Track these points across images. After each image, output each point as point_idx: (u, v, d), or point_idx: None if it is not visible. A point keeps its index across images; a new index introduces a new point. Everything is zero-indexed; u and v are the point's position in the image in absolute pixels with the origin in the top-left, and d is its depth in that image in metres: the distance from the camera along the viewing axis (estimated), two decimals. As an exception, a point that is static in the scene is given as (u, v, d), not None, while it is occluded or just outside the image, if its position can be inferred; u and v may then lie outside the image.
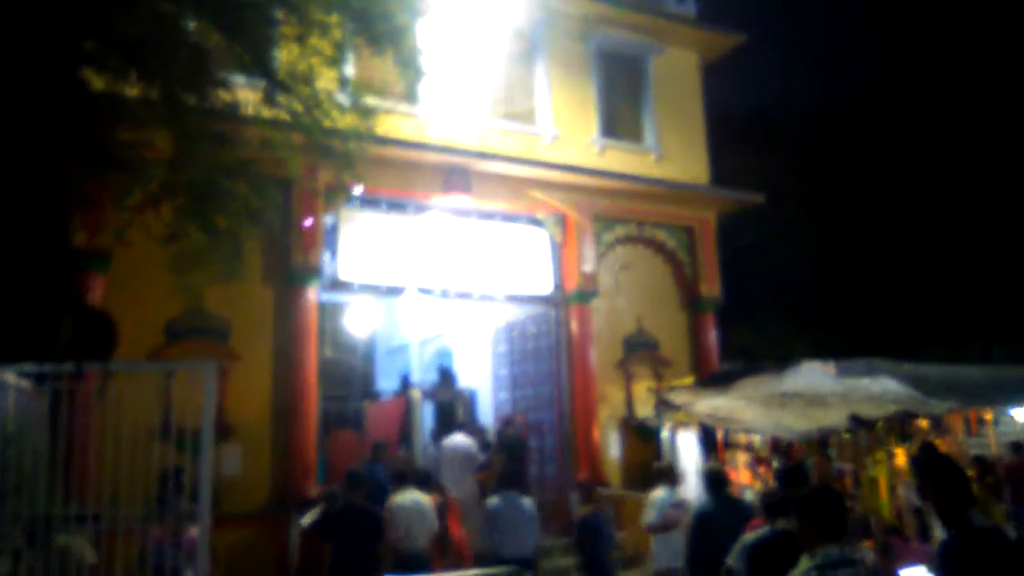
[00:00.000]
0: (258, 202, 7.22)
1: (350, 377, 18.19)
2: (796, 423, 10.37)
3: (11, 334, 7.01)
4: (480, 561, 7.88)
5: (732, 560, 4.44)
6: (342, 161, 7.35)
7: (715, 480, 6.92)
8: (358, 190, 10.46)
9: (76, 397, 5.54)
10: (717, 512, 6.57)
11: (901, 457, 10.96)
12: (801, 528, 3.28)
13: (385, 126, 8.83)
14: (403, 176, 11.02)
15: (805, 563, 3.16)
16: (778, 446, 10.87)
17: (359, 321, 15.32)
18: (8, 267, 7.48)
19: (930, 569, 3.80)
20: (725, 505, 6.68)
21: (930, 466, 3.86)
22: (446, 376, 14.78)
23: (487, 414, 13.95)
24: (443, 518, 8.11)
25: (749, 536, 4.63)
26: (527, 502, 7.93)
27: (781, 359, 12.11)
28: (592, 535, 8.54)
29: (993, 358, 13.64)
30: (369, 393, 17.23)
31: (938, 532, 5.13)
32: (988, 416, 12.18)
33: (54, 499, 5.24)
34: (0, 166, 6.50)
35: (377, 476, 9.60)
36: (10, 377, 5.73)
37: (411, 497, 7.81)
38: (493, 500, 7.88)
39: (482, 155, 11.41)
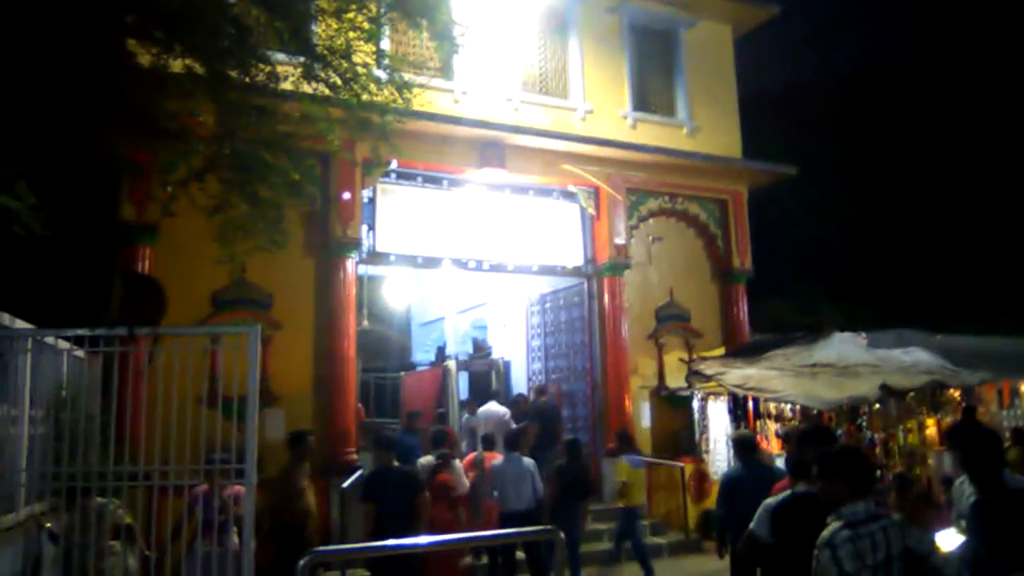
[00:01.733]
0: (298, 175, 7.47)
1: (387, 349, 18.61)
2: (826, 393, 10.46)
3: (65, 300, 7.41)
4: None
5: (754, 524, 4.52)
6: (379, 134, 7.56)
7: (744, 446, 7.07)
8: (395, 164, 10.70)
9: (127, 362, 5.85)
10: (746, 477, 6.73)
11: (932, 427, 11.01)
12: (828, 486, 3.34)
13: (421, 101, 8.99)
14: (438, 150, 11.23)
15: (834, 522, 3.23)
16: (808, 416, 10.98)
17: (396, 294, 15.66)
18: (62, 238, 7.85)
19: (960, 530, 3.90)
20: (754, 470, 6.83)
21: (965, 433, 3.99)
22: (480, 347, 15.09)
23: (521, 385, 14.21)
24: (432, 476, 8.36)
25: (771, 500, 4.72)
26: (527, 461, 8.43)
27: (812, 330, 12.17)
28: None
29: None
30: (406, 364, 17.63)
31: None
32: (1022, 387, 12.15)
33: (106, 460, 5.51)
34: (51, 139, 6.84)
35: (409, 442, 9.99)
36: (64, 344, 6.08)
37: (512, 460, 8.38)
38: (495, 463, 8.41)
39: (516, 129, 11.56)
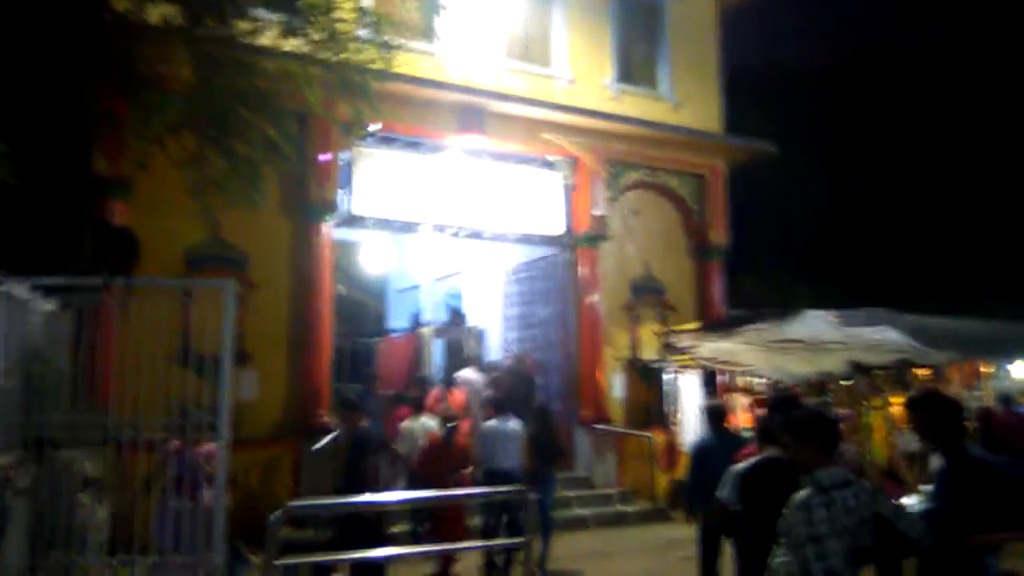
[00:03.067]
0: (276, 133, 7.39)
1: (363, 315, 18.53)
2: (796, 367, 10.62)
3: (36, 252, 7.28)
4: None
5: (722, 490, 4.57)
6: (359, 95, 7.48)
7: (715, 415, 7.19)
8: (374, 127, 10.59)
9: (98, 314, 5.78)
10: (715, 445, 6.84)
11: (898, 406, 11.21)
12: (801, 450, 3.40)
13: (402, 63, 8.93)
14: (419, 115, 11.14)
15: (806, 485, 3.29)
16: (777, 390, 11.13)
17: (373, 260, 15.57)
18: (35, 187, 7.71)
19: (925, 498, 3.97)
20: (724, 439, 6.95)
21: (929, 401, 4.07)
22: (456, 315, 15.08)
23: (496, 354, 14.24)
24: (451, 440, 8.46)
25: (738, 465, 4.78)
26: (513, 424, 8.59)
27: (784, 308, 12.31)
28: None
29: (994, 315, 13.76)
30: (381, 331, 17.59)
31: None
32: (985, 370, 12.39)
33: (74, 414, 5.48)
34: (23, 84, 6.69)
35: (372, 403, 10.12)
36: (35, 297, 5.99)
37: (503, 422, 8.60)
38: (487, 423, 8.63)
39: (498, 96, 11.49)
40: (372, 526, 6.98)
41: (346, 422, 7.67)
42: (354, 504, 6.39)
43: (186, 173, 6.84)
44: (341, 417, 7.90)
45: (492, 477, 8.23)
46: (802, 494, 3.22)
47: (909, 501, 4.38)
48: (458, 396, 10.95)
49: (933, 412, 3.96)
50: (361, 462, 7.16)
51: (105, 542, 6.00)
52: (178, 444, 6.26)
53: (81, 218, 9.37)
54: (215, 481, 5.59)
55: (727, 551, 6.80)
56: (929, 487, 3.88)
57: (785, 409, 4.78)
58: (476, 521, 8.99)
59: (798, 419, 3.52)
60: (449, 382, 10.33)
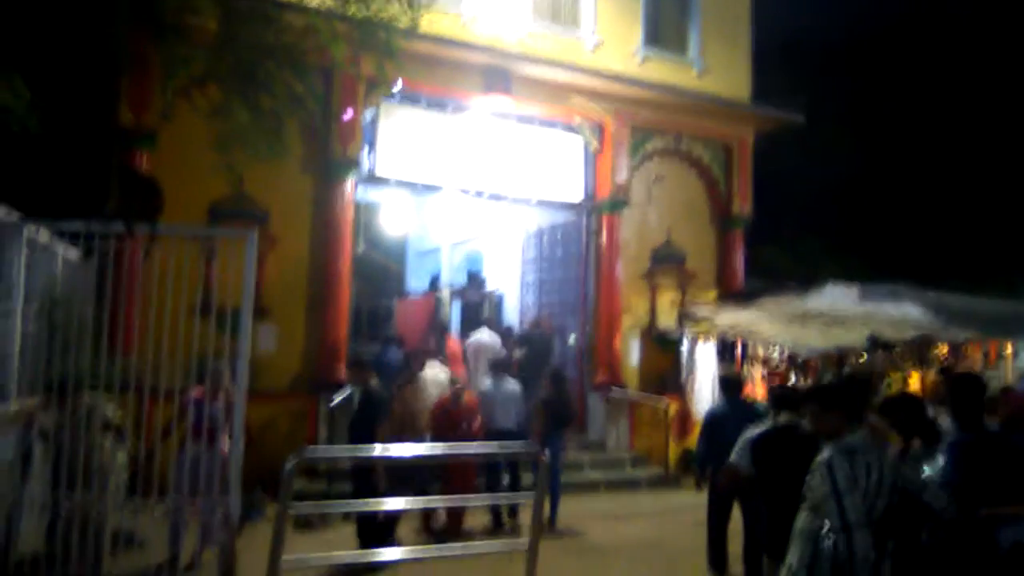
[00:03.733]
0: (300, 87, 7.39)
1: (382, 275, 18.62)
2: (815, 340, 10.60)
3: (62, 201, 7.36)
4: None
5: (735, 456, 4.59)
6: (384, 52, 7.44)
7: (730, 384, 7.21)
8: (398, 85, 10.55)
9: (121, 262, 5.85)
10: (729, 414, 6.85)
11: (916, 381, 11.17)
12: (827, 416, 3.41)
13: (428, 22, 8.88)
14: (444, 75, 11.07)
15: (830, 447, 3.30)
16: (795, 362, 11.13)
17: (393, 220, 15.60)
18: (60, 139, 7.78)
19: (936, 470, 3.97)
20: (737, 408, 6.96)
21: (953, 378, 4.05)
22: (474, 278, 15.12)
23: (513, 317, 14.30)
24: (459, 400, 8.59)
25: (751, 432, 4.80)
26: (512, 384, 8.94)
27: (806, 280, 12.24)
28: None
29: (1018, 292, 13.59)
30: (400, 291, 17.68)
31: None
32: (1007, 350, 12.28)
33: (97, 361, 5.57)
34: (50, 29, 6.72)
35: (391, 360, 10.29)
36: (58, 243, 6.07)
37: (499, 384, 9.01)
38: (485, 385, 8.98)
39: (524, 57, 11.36)
40: (379, 482, 7.14)
41: (357, 380, 7.81)
42: (367, 457, 6.50)
43: (211, 125, 6.84)
44: (352, 375, 8.04)
45: (491, 437, 8.43)
46: (825, 454, 3.26)
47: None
48: (453, 345, 11.38)
49: (952, 387, 3.98)
50: (370, 421, 7.31)
51: (124, 485, 6.14)
52: (198, 392, 6.38)
53: (107, 167, 9.48)
54: (232, 429, 5.67)
55: (736, 517, 6.89)
56: (935, 460, 3.87)
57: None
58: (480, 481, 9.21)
59: (824, 387, 3.55)
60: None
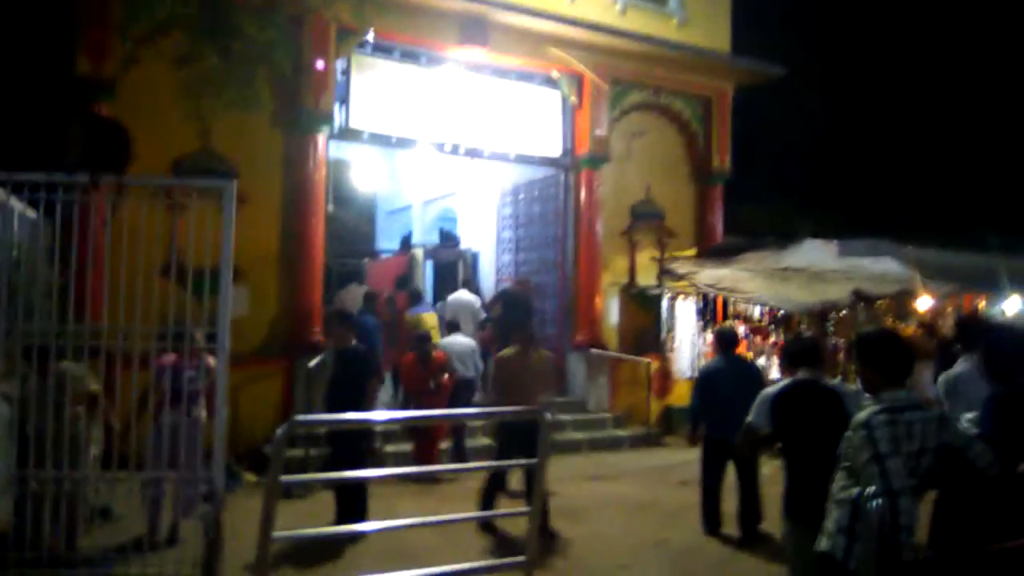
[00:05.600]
0: (271, 33, 6.99)
1: (352, 235, 18.19)
2: (798, 295, 10.53)
3: (16, 156, 6.89)
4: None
5: (752, 416, 4.42)
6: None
7: (725, 339, 7.05)
8: (371, 35, 10.12)
9: (86, 218, 5.45)
10: (725, 370, 6.72)
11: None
12: (868, 371, 3.21)
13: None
14: (418, 24, 10.63)
15: (871, 406, 3.10)
16: (776, 318, 11.07)
17: (364, 177, 15.17)
18: (16, 88, 7.27)
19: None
20: (733, 364, 6.84)
21: (988, 330, 3.92)
22: (448, 237, 14.81)
23: (489, 276, 14.06)
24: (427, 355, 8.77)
25: (769, 389, 4.62)
26: (462, 338, 9.92)
27: (784, 236, 12.13)
28: None
29: (989, 247, 13.65)
30: (370, 252, 17.30)
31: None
32: (981, 304, 12.35)
33: (64, 325, 5.23)
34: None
35: (368, 323, 10.02)
36: (15, 202, 5.64)
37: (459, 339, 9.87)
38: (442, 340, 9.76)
39: (501, 6, 10.92)
40: (359, 444, 6.92)
41: (336, 339, 7.52)
42: (354, 421, 6.25)
43: (177, 72, 6.42)
44: (332, 334, 7.75)
45: (459, 385, 9.15)
46: (863, 414, 3.05)
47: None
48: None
49: (990, 342, 3.85)
50: (350, 380, 7.06)
51: (99, 457, 5.84)
52: (174, 358, 6.05)
53: (64, 119, 8.92)
54: (215, 396, 5.37)
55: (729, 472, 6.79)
56: (969, 414, 3.73)
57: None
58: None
59: (863, 339, 3.33)
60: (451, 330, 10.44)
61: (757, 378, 6.64)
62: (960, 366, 4.83)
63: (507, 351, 7.11)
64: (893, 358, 3.17)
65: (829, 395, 4.04)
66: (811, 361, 4.19)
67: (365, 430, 7.13)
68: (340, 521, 6.61)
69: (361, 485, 6.69)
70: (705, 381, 6.83)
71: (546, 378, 7.29)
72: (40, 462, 5.06)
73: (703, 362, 11.46)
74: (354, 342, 7.40)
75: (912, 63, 18.45)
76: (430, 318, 10.67)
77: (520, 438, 6.27)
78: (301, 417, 5.84)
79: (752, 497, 6.56)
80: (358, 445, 6.91)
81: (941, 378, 4.92)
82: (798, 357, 4.27)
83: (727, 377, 6.54)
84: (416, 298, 11.32)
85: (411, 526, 6.08)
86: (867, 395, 3.25)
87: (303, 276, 10.08)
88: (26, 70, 8.51)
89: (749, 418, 4.35)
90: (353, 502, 6.65)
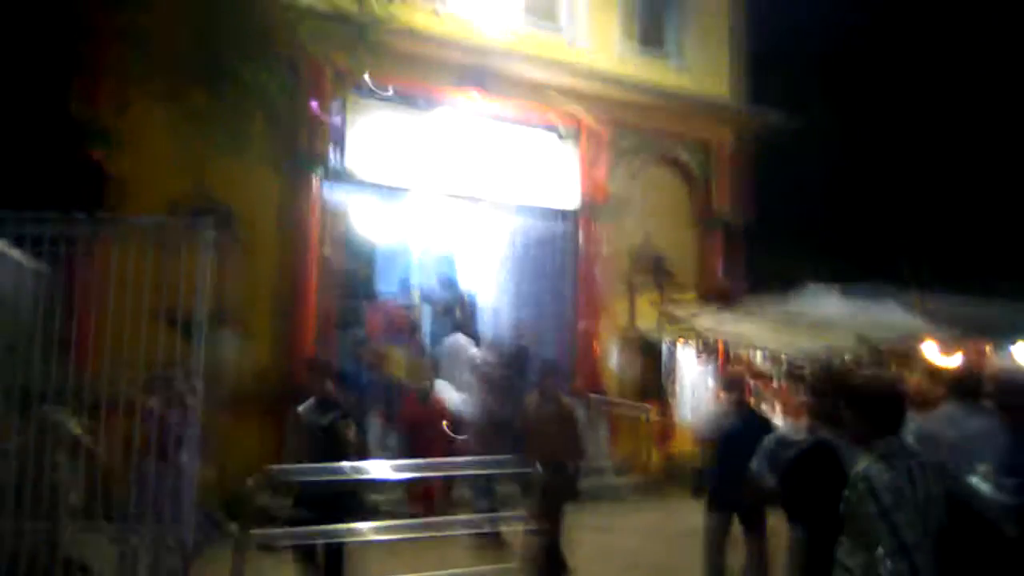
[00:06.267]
0: (266, 77, 6.95)
1: (350, 279, 18.05)
2: (803, 342, 10.34)
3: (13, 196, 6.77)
4: None
5: (756, 464, 4.22)
6: (360, 39, 7.03)
7: (733, 385, 6.64)
8: (369, 80, 10.12)
9: (71, 261, 5.31)
10: (742, 430, 6.27)
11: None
12: (854, 420, 3.05)
13: (401, 15, 8.47)
14: (417, 70, 10.62)
15: (866, 459, 2.91)
16: (779, 365, 10.86)
17: (361, 222, 15.09)
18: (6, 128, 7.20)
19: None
20: (745, 418, 6.46)
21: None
22: (447, 283, 14.65)
23: (487, 322, 13.85)
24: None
25: (772, 438, 4.44)
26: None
27: (788, 282, 12.00)
28: None
29: (998, 292, 13.48)
30: (368, 295, 17.15)
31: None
32: (988, 350, 12.14)
33: (49, 372, 5.09)
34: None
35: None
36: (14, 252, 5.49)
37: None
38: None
39: (500, 53, 10.95)
40: (346, 502, 6.50)
41: (311, 386, 7.12)
42: (339, 472, 5.97)
43: (167, 112, 6.35)
44: (307, 380, 7.35)
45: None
46: (860, 467, 2.84)
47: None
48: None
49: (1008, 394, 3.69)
50: (324, 429, 6.70)
51: (80, 506, 5.61)
52: (154, 405, 5.87)
53: (58, 169, 8.83)
54: (202, 444, 5.19)
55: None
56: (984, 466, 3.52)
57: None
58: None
59: (859, 390, 3.13)
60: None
61: (766, 426, 6.40)
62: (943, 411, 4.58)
63: (530, 400, 6.97)
64: (885, 405, 2.98)
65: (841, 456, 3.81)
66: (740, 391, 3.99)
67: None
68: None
69: (339, 548, 6.26)
70: (722, 442, 6.45)
71: (569, 426, 7.01)
72: (17, 511, 4.84)
73: (705, 409, 11.21)
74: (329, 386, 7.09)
75: (920, 109, 18.44)
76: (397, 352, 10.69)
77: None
78: (274, 467, 5.58)
79: (758, 555, 6.27)
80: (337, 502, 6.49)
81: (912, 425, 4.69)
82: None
83: (745, 438, 6.21)
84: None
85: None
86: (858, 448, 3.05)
87: (297, 321, 9.94)
88: (19, 114, 8.45)
89: (752, 464, 4.14)
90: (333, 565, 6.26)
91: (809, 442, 4.02)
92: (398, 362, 10.49)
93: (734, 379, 6.71)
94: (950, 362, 11.27)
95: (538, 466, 6.32)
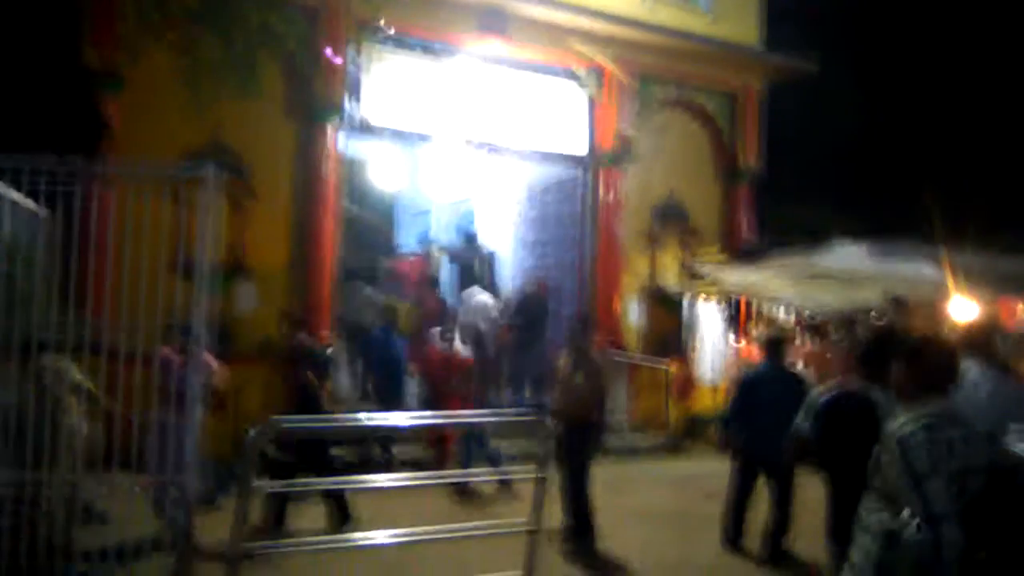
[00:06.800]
0: (279, 23, 6.74)
1: (371, 235, 17.96)
2: (830, 299, 10.10)
3: (24, 141, 6.66)
4: None
5: (799, 420, 4.07)
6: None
7: (774, 345, 6.57)
8: (388, 27, 9.85)
9: (74, 205, 5.19)
10: (771, 378, 6.27)
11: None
12: (901, 376, 2.84)
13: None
14: (435, 15, 10.33)
15: (905, 418, 2.72)
16: (807, 323, 10.64)
17: (381, 175, 14.92)
18: (18, 75, 7.07)
19: None
20: (780, 374, 6.38)
21: None
22: (467, 238, 14.50)
23: (509, 278, 13.73)
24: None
25: (816, 392, 4.29)
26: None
27: (814, 237, 11.69)
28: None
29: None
30: (389, 250, 17.05)
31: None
32: (1019, 308, 11.82)
33: (61, 319, 5.00)
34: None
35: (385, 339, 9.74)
36: (13, 193, 5.38)
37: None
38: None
39: (523, -4, 10.60)
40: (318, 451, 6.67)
41: (284, 334, 7.30)
42: (344, 427, 6.00)
43: (179, 59, 6.18)
44: (281, 329, 7.49)
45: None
46: (896, 428, 2.65)
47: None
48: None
49: None
50: (297, 376, 6.86)
51: (81, 456, 5.58)
52: (167, 353, 5.82)
53: (73, 116, 8.72)
54: (195, 394, 5.10)
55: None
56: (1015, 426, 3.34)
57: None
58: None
59: (907, 343, 2.93)
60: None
61: (805, 392, 6.27)
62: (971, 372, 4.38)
63: (563, 357, 6.87)
64: (937, 362, 2.77)
65: (874, 406, 3.64)
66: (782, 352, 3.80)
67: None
68: (339, 526, 6.36)
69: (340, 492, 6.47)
70: (748, 388, 6.36)
71: (599, 385, 6.91)
72: (19, 462, 4.80)
73: (728, 367, 11.05)
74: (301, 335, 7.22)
75: (950, 59, 17.84)
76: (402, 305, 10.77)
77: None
78: (278, 418, 5.51)
79: (785, 513, 6.17)
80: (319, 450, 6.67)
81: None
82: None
83: (773, 387, 6.08)
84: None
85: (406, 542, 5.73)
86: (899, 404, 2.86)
87: (314, 275, 9.83)
88: (30, 60, 8.31)
89: (797, 422, 3.97)
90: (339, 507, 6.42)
91: (842, 390, 3.84)
92: (407, 315, 10.43)
93: (775, 338, 6.58)
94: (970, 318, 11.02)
95: (563, 423, 6.37)
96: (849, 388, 3.83)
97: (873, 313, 10.17)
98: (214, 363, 6.15)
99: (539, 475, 3.82)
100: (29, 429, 4.80)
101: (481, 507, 7.58)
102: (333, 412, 7.20)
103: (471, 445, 8.16)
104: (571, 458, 6.49)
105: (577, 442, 6.49)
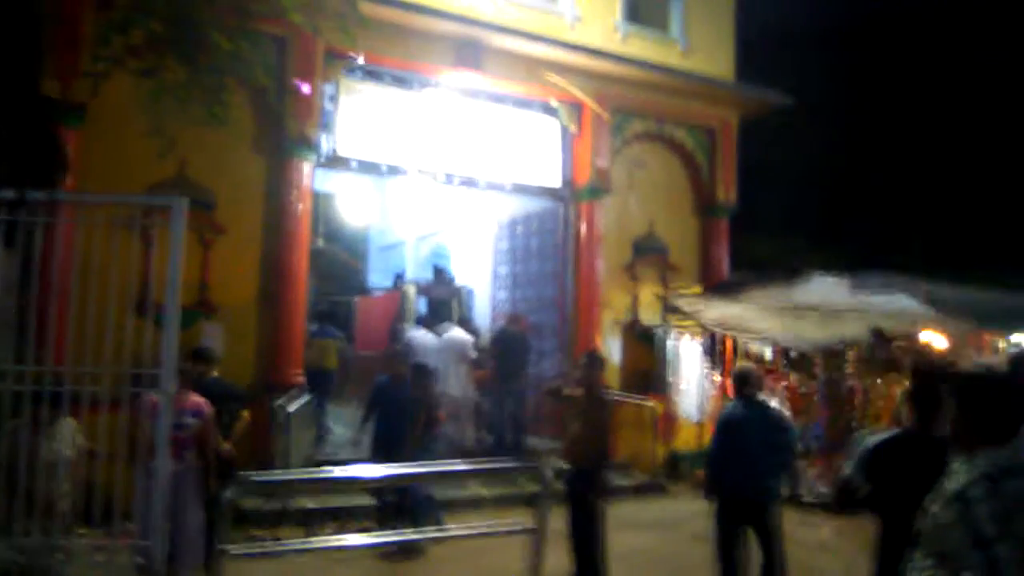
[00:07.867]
0: (247, 50, 6.46)
1: (342, 272, 17.64)
2: (813, 334, 9.93)
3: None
4: None
5: (850, 470, 3.77)
6: (347, 8, 6.56)
7: (745, 380, 6.21)
8: (360, 58, 9.65)
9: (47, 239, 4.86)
10: (748, 418, 5.93)
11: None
12: (959, 422, 2.55)
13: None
14: (409, 46, 10.14)
15: (964, 470, 2.42)
16: (789, 357, 10.45)
17: (353, 210, 14.64)
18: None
19: None
20: (756, 411, 6.05)
21: None
22: (441, 273, 14.21)
23: (484, 314, 13.44)
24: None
25: (870, 438, 3.95)
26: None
27: (792, 271, 11.59)
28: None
29: (1005, 285, 13.13)
30: (361, 288, 16.72)
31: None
32: (1001, 343, 11.78)
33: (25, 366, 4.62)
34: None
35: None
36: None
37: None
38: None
39: (498, 28, 10.45)
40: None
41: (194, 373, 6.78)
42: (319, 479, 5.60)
43: (142, 84, 5.87)
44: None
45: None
46: (957, 481, 2.35)
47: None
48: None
49: None
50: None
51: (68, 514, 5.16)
52: (154, 399, 5.43)
53: (32, 148, 8.33)
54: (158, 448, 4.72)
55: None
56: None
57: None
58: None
59: (970, 379, 2.61)
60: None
61: (786, 429, 5.99)
62: None
63: (576, 395, 6.58)
64: (1000, 407, 2.48)
65: (938, 449, 3.31)
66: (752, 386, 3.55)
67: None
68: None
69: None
70: (726, 429, 6.05)
71: (605, 427, 6.59)
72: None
73: (711, 405, 10.82)
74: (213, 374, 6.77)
75: (924, 92, 18.08)
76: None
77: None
78: (249, 474, 5.11)
79: (771, 558, 5.84)
80: None
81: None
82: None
83: (751, 427, 5.81)
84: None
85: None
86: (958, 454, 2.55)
87: (284, 312, 9.45)
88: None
89: (845, 473, 3.65)
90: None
91: (889, 435, 3.54)
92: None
93: (744, 373, 6.24)
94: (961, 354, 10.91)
95: (574, 464, 6.16)
96: (908, 430, 3.52)
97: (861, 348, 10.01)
98: (207, 407, 5.78)
99: (535, 526, 3.49)
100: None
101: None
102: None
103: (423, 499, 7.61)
104: (582, 500, 6.19)
105: (588, 483, 6.23)
